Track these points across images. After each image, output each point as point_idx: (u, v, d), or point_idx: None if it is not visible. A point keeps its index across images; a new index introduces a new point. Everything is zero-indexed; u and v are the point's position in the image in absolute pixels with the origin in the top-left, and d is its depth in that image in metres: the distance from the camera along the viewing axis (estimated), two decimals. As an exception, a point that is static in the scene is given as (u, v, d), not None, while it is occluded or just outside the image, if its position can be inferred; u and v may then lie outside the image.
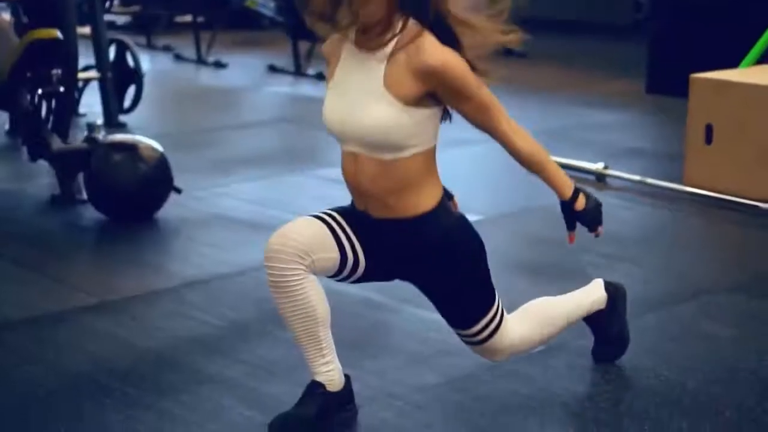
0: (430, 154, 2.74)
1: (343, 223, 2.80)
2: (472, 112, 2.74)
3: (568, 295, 3.20)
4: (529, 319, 3.05)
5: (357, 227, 2.80)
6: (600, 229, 2.99)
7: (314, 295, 2.75)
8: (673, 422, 2.95)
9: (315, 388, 2.84)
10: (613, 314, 3.27)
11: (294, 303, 2.74)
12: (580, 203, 2.92)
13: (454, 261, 2.80)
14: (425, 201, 2.75)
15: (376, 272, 2.85)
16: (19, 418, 2.95)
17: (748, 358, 3.35)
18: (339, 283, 2.91)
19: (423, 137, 2.68)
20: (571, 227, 2.97)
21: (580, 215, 2.94)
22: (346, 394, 2.89)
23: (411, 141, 2.66)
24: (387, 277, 2.91)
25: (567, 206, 2.93)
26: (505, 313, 2.96)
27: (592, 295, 3.23)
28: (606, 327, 3.28)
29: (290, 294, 2.73)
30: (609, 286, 3.29)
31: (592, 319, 3.26)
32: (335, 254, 2.76)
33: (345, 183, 2.81)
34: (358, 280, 2.87)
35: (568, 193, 2.91)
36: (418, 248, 2.78)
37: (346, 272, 2.81)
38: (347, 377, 2.91)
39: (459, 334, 2.95)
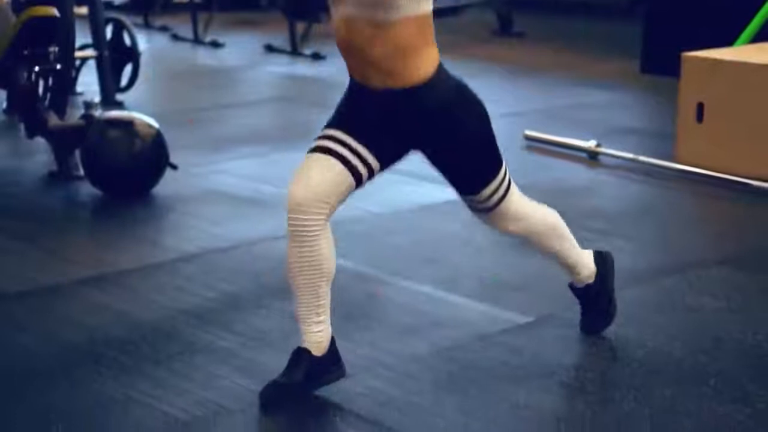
0: (424, 22, 2.78)
1: (347, 138, 2.84)
2: None
3: (572, 239, 3.26)
4: (538, 209, 3.17)
5: (359, 126, 2.85)
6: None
7: (326, 249, 2.84)
8: (658, 391, 3.00)
9: (301, 354, 2.90)
10: (602, 287, 3.32)
11: (307, 253, 2.82)
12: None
13: (461, 121, 2.88)
14: (424, 67, 2.80)
15: (390, 158, 2.92)
16: (16, 387, 3.01)
17: (733, 329, 3.41)
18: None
19: None
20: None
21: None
22: (331, 356, 2.95)
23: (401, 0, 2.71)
24: (401, 153, 2.95)
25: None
26: (512, 182, 3.07)
27: (583, 258, 3.28)
28: (594, 299, 3.33)
29: (306, 244, 2.81)
30: (598, 259, 3.33)
31: (580, 291, 3.31)
32: (350, 181, 2.85)
33: (342, 55, 2.85)
34: (381, 172, 2.95)
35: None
36: (424, 115, 2.84)
37: (364, 184, 2.91)
38: (332, 338, 2.96)
39: (470, 202, 3.04)
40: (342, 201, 2.88)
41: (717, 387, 3.03)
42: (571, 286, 3.33)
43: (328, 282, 2.88)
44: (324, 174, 2.82)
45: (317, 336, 2.90)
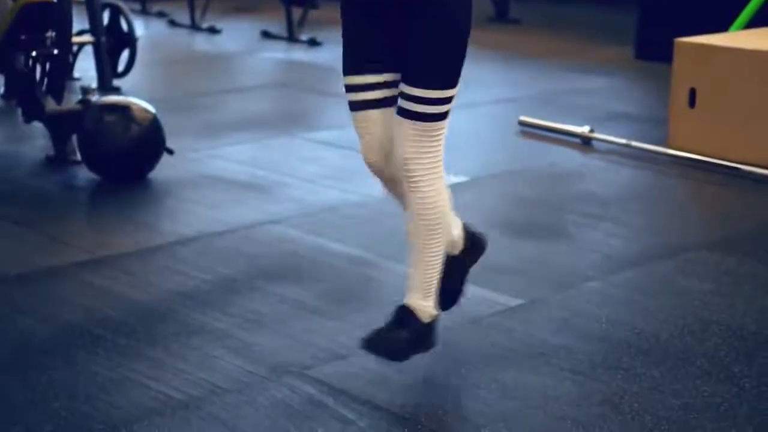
0: None
1: (370, 78, 2.89)
2: None
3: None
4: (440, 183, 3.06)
5: (370, 56, 2.89)
6: None
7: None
8: (646, 371, 3.06)
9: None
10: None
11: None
12: None
13: (446, 13, 2.82)
14: None
15: (397, 57, 2.90)
16: (15, 366, 3.06)
17: (720, 312, 3.46)
18: (324, 237, 3.00)
19: None
20: None
21: None
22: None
23: None
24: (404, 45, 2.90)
25: None
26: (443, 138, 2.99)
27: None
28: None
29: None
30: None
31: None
32: (392, 113, 2.90)
33: None
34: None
35: None
36: (423, 5, 2.81)
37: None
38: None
39: (407, 99, 2.85)
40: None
41: (704, 367, 3.08)
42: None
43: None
44: (374, 138, 2.92)
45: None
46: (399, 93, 2.88)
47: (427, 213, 2.90)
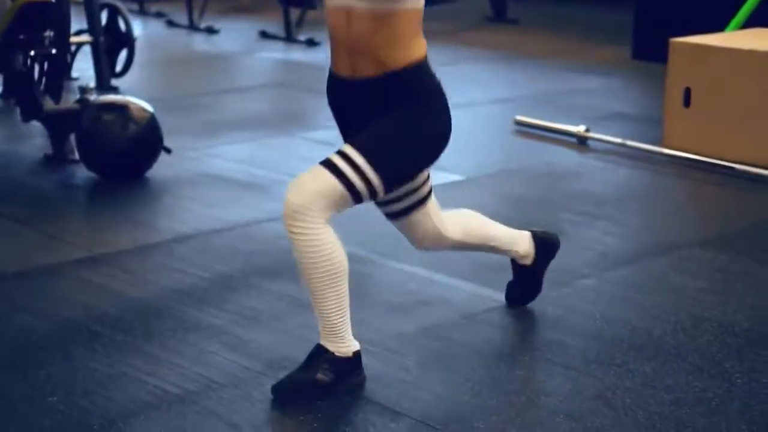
0: (419, 17, 2.85)
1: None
2: None
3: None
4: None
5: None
6: None
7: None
8: (638, 367, 3.08)
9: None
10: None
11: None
12: None
13: (414, 111, 2.84)
14: (414, 53, 2.85)
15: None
16: (14, 361, 3.08)
17: (713, 309, 3.49)
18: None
19: None
20: None
21: None
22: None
23: None
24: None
25: None
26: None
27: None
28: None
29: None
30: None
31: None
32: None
33: (333, 43, 2.89)
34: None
35: None
36: (398, 94, 2.84)
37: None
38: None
39: (341, 153, 2.83)
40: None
41: (696, 363, 3.11)
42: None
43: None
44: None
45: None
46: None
47: (313, 262, 2.81)
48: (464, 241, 3.25)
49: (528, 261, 3.42)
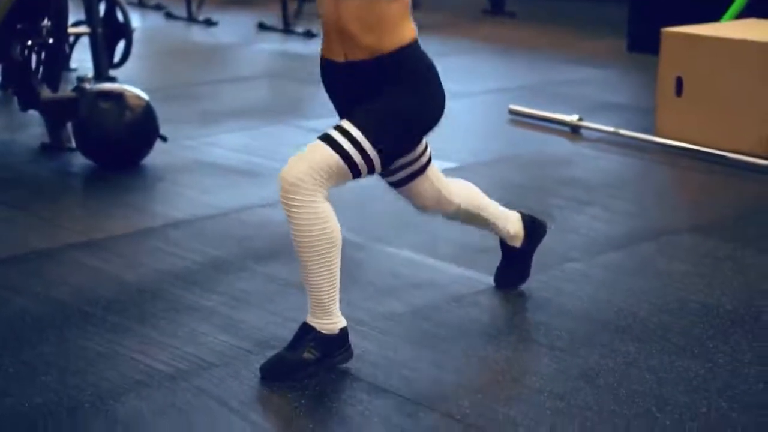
0: (407, 3, 2.91)
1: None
2: None
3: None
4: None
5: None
6: None
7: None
8: (622, 347, 3.13)
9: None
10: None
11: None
12: None
13: (407, 89, 2.91)
14: (404, 36, 2.91)
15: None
16: (7, 343, 3.13)
17: (698, 291, 3.53)
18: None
19: None
20: None
21: None
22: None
23: None
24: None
25: None
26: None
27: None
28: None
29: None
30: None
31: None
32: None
33: (324, 28, 2.95)
34: None
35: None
36: (391, 76, 2.91)
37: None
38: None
39: (339, 128, 2.90)
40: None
41: (679, 344, 3.16)
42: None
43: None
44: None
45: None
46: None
47: (307, 235, 2.85)
48: (463, 208, 3.32)
49: (517, 243, 3.47)
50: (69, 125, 5.12)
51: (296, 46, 8.19)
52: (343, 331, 2.96)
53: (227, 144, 5.34)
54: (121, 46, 6.84)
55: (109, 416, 2.73)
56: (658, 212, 4.43)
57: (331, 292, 2.91)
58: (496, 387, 2.91)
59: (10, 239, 4.03)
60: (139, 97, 4.95)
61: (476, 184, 4.75)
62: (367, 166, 2.90)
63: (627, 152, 5.28)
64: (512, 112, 5.92)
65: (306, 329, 2.94)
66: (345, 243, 3.98)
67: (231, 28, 8.88)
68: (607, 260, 3.83)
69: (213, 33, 8.76)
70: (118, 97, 4.92)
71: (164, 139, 5.01)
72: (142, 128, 4.91)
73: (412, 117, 2.96)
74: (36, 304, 3.42)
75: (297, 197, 2.82)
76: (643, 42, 7.53)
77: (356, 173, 2.90)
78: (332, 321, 2.94)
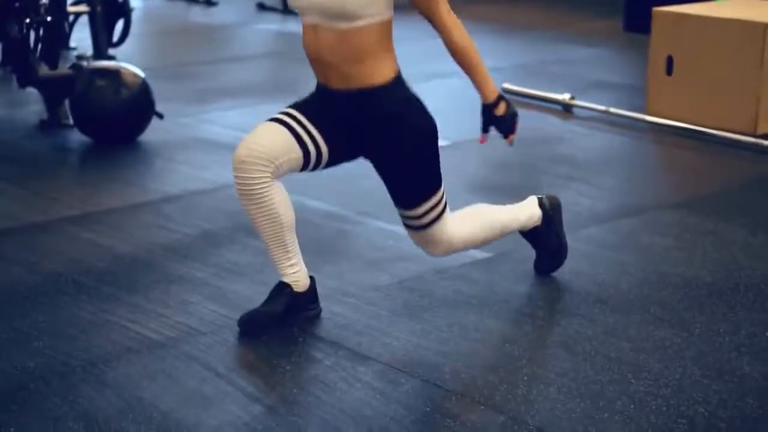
0: (386, 28, 2.95)
1: (302, 118, 3.03)
2: None
3: (506, 207, 3.44)
4: (470, 220, 3.29)
5: (317, 115, 3.04)
6: (512, 137, 3.17)
7: (279, 202, 3.02)
8: (602, 318, 3.21)
9: (282, 288, 3.11)
10: (550, 229, 3.49)
11: (261, 209, 3.02)
12: (501, 109, 3.13)
13: (407, 133, 3.03)
14: (382, 72, 2.97)
15: (339, 153, 3.09)
16: (2, 310, 3.22)
17: (678, 265, 3.61)
18: (303, 195, 3.15)
19: (377, 7, 2.90)
20: (485, 129, 3.19)
21: (497, 120, 3.15)
22: (310, 294, 3.16)
23: (366, 10, 2.88)
24: (350, 154, 3.13)
25: (488, 109, 3.15)
26: (448, 207, 3.20)
27: (527, 210, 3.45)
28: (544, 241, 3.50)
29: (257, 201, 3.01)
30: (543, 202, 3.50)
31: (531, 235, 3.50)
32: (298, 153, 3.01)
33: (307, 56, 3.04)
34: (327, 166, 3.12)
35: (492, 97, 3.12)
36: (374, 119, 3.01)
37: (311, 165, 3.07)
38: (312, 279, 3.18)
39: (404, 217, 3.17)
40: (291, 168, 3.02)
41: (657, 314, 3.23)
42: (521, 232, 3.51)
43: (291, 230, 3.06)
44: (269, 136, 2.99)
45: (294, 276, 3.11)
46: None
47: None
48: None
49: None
50: (66, 102, 5.19)
51: (295, 26, 8.25)
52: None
53: (223, 121, 5.41)
54: (120, 25, 6.90)
55: (100, 380, 2.81)
56: (643, 189, 4.50)
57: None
58: (476, 355, 2.99)
59: (7, 212, 4.11)
60: (135, 75, 5.02)
61: (467, 162, 4.86)
62: (440, 212, 3.16)
63: (617, 130, 5.35)
64: (506, 91, 5.98)
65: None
66: (334, 217, 4.06)
67: (230, 9, 8.94)
68: (591, 234, 3.91)
69: (212, 13, 8.83)
70: (115, 74, 4.99)
71: (161, 116, 5.08)
72: (138, 105, 4.99)
73: (428, 166, 3.09)
74: (30, 274, 3.50)
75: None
76: (640, 21, 7.57)
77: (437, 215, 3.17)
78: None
